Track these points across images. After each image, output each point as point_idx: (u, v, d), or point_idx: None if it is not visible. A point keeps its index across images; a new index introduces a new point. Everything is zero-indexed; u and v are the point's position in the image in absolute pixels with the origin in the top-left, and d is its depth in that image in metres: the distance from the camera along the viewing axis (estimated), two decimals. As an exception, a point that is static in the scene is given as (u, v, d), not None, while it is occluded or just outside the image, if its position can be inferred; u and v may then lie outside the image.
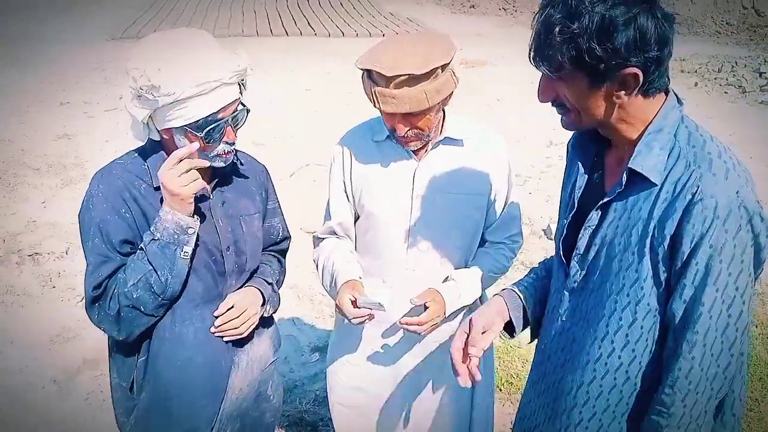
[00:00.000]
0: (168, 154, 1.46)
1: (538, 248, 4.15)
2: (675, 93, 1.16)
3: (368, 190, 1.78)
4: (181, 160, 1.39)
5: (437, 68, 1.51)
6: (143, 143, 1.51)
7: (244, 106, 1.48)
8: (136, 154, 1.53)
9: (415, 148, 1.71)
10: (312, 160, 5.26)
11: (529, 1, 13.13)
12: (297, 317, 3.50)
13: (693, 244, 1.05)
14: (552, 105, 1.17)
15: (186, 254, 1.46)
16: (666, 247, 1.08)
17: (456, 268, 1.81)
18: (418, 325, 1.66)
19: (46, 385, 2.92)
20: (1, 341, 3.22)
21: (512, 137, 6.04)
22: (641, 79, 1.05)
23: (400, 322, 1.68)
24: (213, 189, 1.58)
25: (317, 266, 1.88)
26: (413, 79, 1.49)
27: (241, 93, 1.46)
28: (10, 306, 3.52)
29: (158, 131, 1.45)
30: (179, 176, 1.38)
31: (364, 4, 13.38)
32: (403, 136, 1.63)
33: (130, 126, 1.44)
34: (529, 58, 1.12)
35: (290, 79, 7.91)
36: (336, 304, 1.72)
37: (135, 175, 1.49)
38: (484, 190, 1.76)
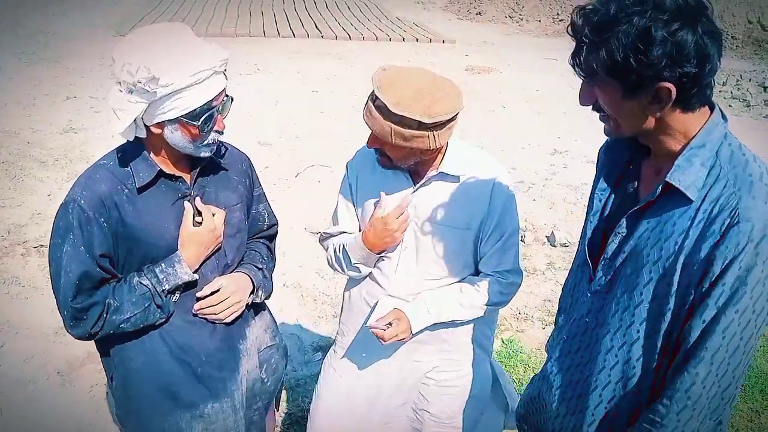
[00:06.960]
0: (152, 151, 1.50)
1: (541, 255, 4.16)
2: (720, 109, 1.14)
3: (367, 213, 1.81)
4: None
5: (409, 119, 1.50)
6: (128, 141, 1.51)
7: (227, 95, 1.51)
8: (120, 155, 1.52)
9: (385, 168, 1.70)
10: (317, 161, 5.27)
11: (536, 9, 13.18)
12: (300, 317, 3.51)
13: (723, 266, 1.03)
14: (593, 110, 1.15)
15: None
16: (700, 267, 1.06)
17: None
18: (382, 338, 1.70)
19: (50, 377, 2.93)
20: (6, 332, 3.23)
21: (517, 144, 6.06)
22: (674, 95, 1.03)
23: (369, 326, 1.72)
24: (193, 182, 1.58)
25: (328, 251, 1.91)
26: (385, 111, 1.53)
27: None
28: (16, 297, 3.53)
29: (146, 128, 1.45)
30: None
31: (372, 7, 13.43)
32: (375, 152, 1.68)
33: (115, 127, 1.41)
34: (569, 59, 1.11)
35: (297, 81, 7.92)
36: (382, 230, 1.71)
37: (119, 179, 1.48)
38: (473, 224, 1.72)
